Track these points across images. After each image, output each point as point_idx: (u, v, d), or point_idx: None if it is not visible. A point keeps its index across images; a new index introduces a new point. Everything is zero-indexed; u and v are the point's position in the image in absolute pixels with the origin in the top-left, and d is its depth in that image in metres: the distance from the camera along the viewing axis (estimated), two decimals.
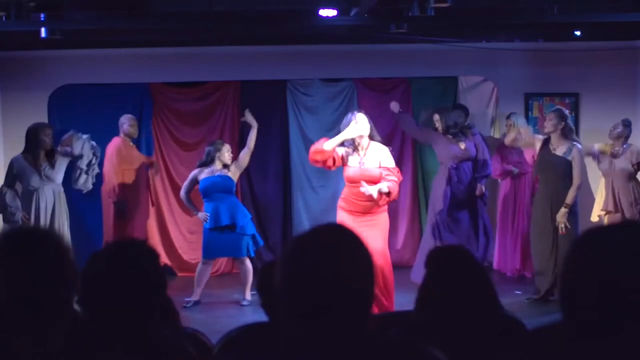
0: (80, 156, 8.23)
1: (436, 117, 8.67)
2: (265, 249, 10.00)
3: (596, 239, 1.79)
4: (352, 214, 7.19)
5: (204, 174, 8.21)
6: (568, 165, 7.80)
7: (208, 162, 8.24)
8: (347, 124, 7.19)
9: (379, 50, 9.75)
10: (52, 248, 2.06)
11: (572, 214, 7.83)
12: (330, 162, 7.20)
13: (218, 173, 8.18)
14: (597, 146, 8.76)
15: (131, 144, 8.97)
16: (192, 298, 8.23)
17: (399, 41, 9.32)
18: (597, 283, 1.72)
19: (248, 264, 8.27)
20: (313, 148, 7.29)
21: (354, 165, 7.12)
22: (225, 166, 8.26)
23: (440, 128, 8.58)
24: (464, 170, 8.55)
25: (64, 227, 7.81)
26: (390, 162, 7.15)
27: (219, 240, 8.15)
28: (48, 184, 7.76)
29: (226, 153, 8.26)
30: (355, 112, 7.29)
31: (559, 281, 1.85)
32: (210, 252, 8.24)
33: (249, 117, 8.56)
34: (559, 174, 7.81)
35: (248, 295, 8.23)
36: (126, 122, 8.73)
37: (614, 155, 8.50)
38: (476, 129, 8.93)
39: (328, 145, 7.15)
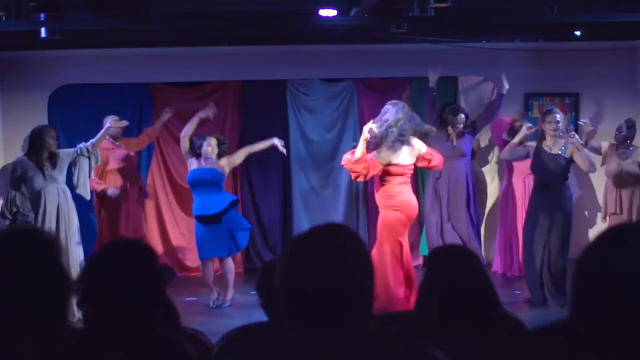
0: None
1: (462, 117, 8.72)
2: (266, 248, 10.01)
3: (614, 238, 1.79)
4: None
5: (194, 164, 8.18)
6: (565, 163, 7.76)
7: (197, 153, 8.19)
8: (393, 114, 7.22)
9: (379, 50, 9.75)
10: (43, 248, 2.06)
11: (565, 213, 7.76)
12: (366, 171, 7.24)
13: (206, 165, 8.14)
14: (604, 145, 8.79)
15: (117, 143, 8.92)
16: (212, 299, 8.22)
17: (399, 41, 9.31)
18: (614, 283, 1.71)
19: (230, 264, 8.22)
20: (350, 160, 7.26)
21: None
22: (221, 157, 8.18)
23: (460, 127, 8.65)
24: (456, 168, 8.60)
25: (71, 225, 7.79)
26: (423, 146, 7.44)
27: (208, 237, 8.08)
28: (52, 183, 7.77)
29: (207, 147, 8.16)
30: (400, 104, 7.35)
31: (571, 280, 1.84)
32: (202, 252, 8.20)
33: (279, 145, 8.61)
34: (555, 173, 7.76)
35: (230, 295, 8.20)
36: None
37: (622, 158, 8.54)
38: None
39: (358, 152, 7.19)
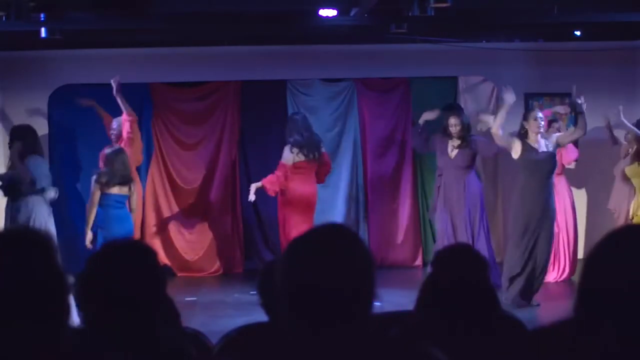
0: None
1: (453, 120, 8.25)
2: (266, 249, 10.01)
3: (621, 238, 1.79)
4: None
5: None
6: (553, 159, 7.75)
7: None
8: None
9: (379, 50, 9.75)
10: (38, 247, 2.06)
11: (552, 213, 7.74)
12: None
13: None
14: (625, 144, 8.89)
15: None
16: None
17: (399, 41, 9.32)
18: (621, 283, 1.71)
19: None
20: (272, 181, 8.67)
21: None
22: None
23: (454, 131, 8.25)
24: (456, 177, 8.36)
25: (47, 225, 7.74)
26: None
27: None
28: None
29: None
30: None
31: (578, 279, 1.84)
32: None
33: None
34: (545, 172, 7.71)
35: None
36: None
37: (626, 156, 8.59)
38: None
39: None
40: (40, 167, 7.40)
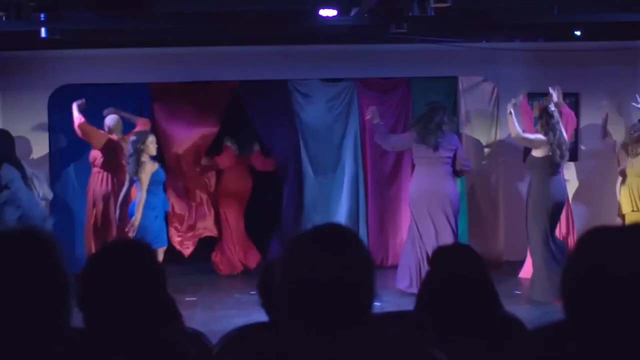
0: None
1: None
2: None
3: (603, 238, 1.79)
4: None
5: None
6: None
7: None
8: None
9: (379, 50, 9.75)
10: (41, 248, 2.05)
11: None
12: None
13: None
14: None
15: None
16: None
17: (399, 41, 9.32)
18: (600, 283, 1.71)
19: None
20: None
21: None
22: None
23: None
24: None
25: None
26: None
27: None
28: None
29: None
30: None
31: (561, 279, 1.85)
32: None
33: None
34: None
35: None
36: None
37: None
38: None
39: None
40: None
